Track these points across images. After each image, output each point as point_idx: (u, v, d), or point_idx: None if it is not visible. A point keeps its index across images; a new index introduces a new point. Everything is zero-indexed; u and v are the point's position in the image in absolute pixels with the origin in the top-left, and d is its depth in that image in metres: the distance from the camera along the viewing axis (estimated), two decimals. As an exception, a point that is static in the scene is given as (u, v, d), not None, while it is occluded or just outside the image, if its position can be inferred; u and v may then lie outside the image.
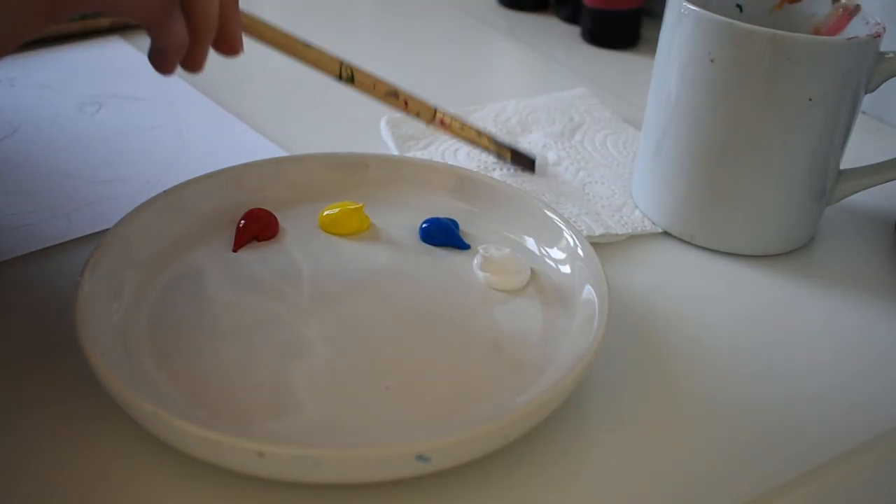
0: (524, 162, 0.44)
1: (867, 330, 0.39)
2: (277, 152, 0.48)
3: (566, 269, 0.38)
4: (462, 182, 0.43)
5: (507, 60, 0.69)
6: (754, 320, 0.39)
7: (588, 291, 0.36)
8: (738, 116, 0.40)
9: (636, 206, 0.45)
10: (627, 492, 0.30)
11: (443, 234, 0.40)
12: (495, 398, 0.32)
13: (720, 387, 0.35)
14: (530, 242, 0.40)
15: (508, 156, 0.43)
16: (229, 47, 0.35)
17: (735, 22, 0.38)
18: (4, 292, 0.37)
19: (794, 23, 0.44)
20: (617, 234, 0.43)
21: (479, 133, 0.42)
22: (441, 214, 0.41)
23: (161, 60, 0.33)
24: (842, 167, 0.43)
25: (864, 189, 0.44)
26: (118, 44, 0.61)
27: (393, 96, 0.39)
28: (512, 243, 0.40)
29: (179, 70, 0.34)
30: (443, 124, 0.40)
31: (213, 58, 0.35)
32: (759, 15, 0.45)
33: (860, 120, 0.43)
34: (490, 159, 0.48)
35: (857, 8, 0.42)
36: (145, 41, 0.32)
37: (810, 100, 0.39)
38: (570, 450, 0.31)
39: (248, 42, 0.37)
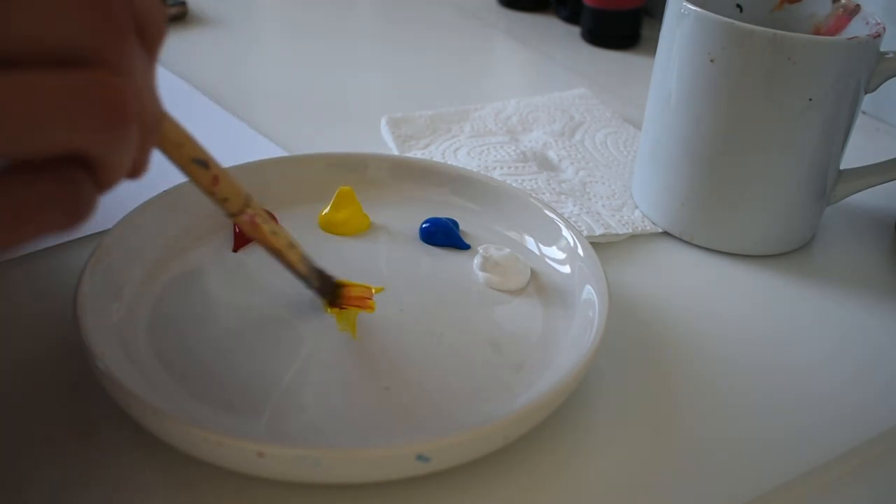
0: (325, 291, 0.35)
1: (867, 329, 0.39)
2: (277, 152, 0.48)
3: (566, 269, 0.38)
4: (462, 182, 0.43)
5: (507, 60, 0.69)
6: (754, 320, 0.39)
7: (588, 292, 0.36)
8: (738, 116, 0.40)
9: (636, 206, 0.45)
10: (628, 492, 0.30)
11: (443, 234, 0.40)
12: (495, 398, 0.32)
13: (720, 387, 0.35)
14: (530, 242, 0.40)
15: (315, 283, 0.34)
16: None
17: (735, 22, 0.38)
18: (4, 292, 0.37)
19: (794, 23, 0.45)
20: (617, 234, 0.43)
21: (292, 245, 0.33)
22: (441, 214, 0.41)
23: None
24: (842, 167, 0.43)
25: (864, 189, 0.44)
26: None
27: (200, 166, 0.28)
28: (512, 243, 0.40)
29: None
30: (252, 224, 0.31)
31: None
32: (759, 15, 0.45)
33: (860, 120, 0.43)
34: (490, 159, 0.48)
35: (858, 8, 0.42)
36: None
37: (810, 100, 0.39)
38: (570, 450, 0.31)
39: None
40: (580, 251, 0.37)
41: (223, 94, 0.55)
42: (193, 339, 0.33)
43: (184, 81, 0.56)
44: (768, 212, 0.42)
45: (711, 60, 0.39)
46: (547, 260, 0.39)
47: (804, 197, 0.42)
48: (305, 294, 0.36)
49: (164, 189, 0.39)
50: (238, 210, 0.30)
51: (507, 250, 0.39)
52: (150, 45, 0.22)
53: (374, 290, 0.36)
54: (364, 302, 0.35)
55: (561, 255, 0.39)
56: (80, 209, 0.21)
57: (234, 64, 0.61)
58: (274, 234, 0.32)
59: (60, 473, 0.29)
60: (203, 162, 0.28)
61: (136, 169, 0.23)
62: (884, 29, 0.40)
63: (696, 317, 0.38)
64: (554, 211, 0.40)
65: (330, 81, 0.60)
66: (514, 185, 0.44)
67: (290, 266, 0.33)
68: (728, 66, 0.39)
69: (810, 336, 0.38)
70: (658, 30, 0.43)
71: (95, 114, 0.19)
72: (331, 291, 0.35)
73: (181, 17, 0.66)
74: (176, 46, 0.61)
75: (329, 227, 0.41)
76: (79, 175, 0.20)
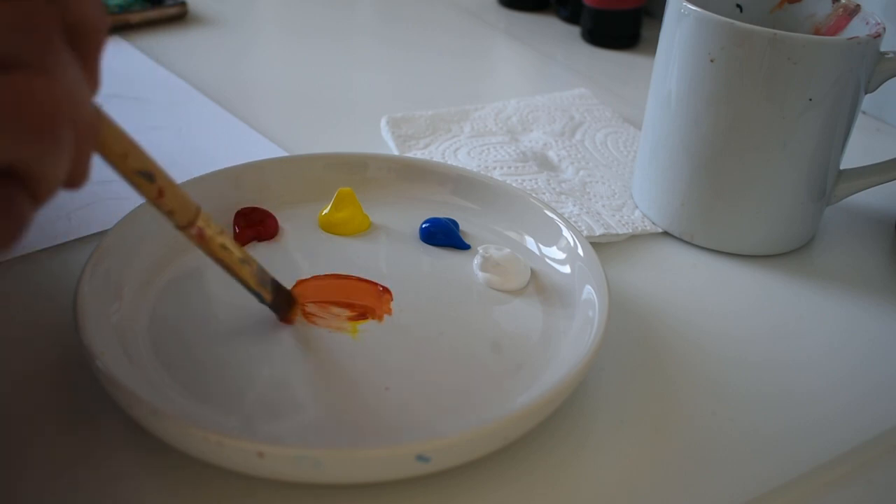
0: (280, 308, 0.34)
1: (867, 330, 0.39)
2: (277, 152, 0.48)
3: (566, 269, 0.38)
4: (462, 182, 0.43)
5: (507, 60, 0.69)
6: (754, 320, 0.39)
7: (588, 292, 0.36)
8: (738, 116, 0.40)
9: (636, 206, 0.45)
10: (627, 492, 0.30)
11: (443, 234, 0.40)
12: (495, 398, 0.32)
13: (720, 387, 0.35)
14: (530, 242, 0.40)
15: (268, 297, 0.33)
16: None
17: (735, 22, 0.38)
18: (5, 292, 0.37)
19: (794, 23, 0.45)
20: (617, 234, 0.43)
21: (244, 261, 0.32)
22: (441, 214, 0.41)
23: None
24: (842, 167, 0.43)
25: (864, 189, 0.44)
26: (118, 44, 0.61)
27: (145, 178, 0.27)
28: (512, 243, 0.40)
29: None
30: (200, 238, 0.30)
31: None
32: (759, 15, 0.45)
33: (860, 120, 0.43)
34: (490, 159, 0.48)
35: (857, 8, 0.42)
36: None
37: (810, 100, 0.39)
38: (569, 450, 0.31)
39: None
40: (580, 251, 0.37)
41: (223, 94, 0.55)
42: (193, 339, 0.33)
43: (184, 81, 0.56)
44: (768, 212, 0.42)
45: (711, 60, 0.39)
46: (547, 260, 0.39)
47: (804, 197, 0.42)
48: (305, 294, 0.36)
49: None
50: (186, 223, 0.29)
51: (507, 250, 0.39)
52: (86, 45, 0.21)
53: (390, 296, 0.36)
54: (374, 312, 0.35)
55: (561, 255, 0.39)
56: (13, 227, 0.19)
57: (234, 64, 0.61)
58: (224, 248, 0.31)
59: (60, 473, 0.29)
60: (148, 174, 0.27)
61: (74, 178, 0.21)
62: (884, 29, 0.40)
63: (696, 317, 0.38)
64: (554, 211, 0.40)
65: (330, 81, 0.60)
66: (514, 185, 0.44)
67: (241, 282, 0.32)
68: (728, 66, 0.39)
69: (810, 336, 0.38)
70: (658, 30, 0.43)
71: (19, 120, 0.18)
72: (285, 306, 0.34)
73: (181, 17, 0.66)
74: (176, 46, 0.61)
75: (329, 227, 0.41)
76: (10, 191, 0.19)
